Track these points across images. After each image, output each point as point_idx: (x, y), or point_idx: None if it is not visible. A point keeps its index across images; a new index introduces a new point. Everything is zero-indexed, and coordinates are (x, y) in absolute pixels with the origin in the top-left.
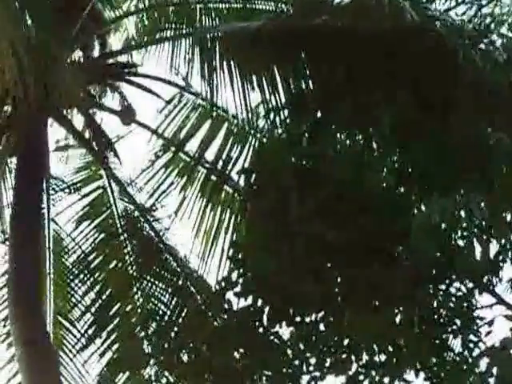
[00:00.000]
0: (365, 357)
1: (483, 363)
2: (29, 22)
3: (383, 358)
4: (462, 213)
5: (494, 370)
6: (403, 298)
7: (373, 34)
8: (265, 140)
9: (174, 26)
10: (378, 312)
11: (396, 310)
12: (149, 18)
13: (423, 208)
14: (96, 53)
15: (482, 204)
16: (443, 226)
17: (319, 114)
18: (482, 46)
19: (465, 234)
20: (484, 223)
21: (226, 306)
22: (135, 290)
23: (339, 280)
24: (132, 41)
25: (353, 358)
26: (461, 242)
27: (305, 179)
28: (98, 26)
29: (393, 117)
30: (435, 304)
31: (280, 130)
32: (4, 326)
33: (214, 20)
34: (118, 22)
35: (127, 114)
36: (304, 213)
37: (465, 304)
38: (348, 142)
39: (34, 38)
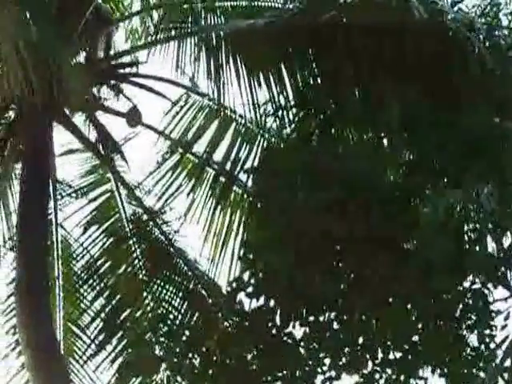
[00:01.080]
0: (380, 355)
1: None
2: (31, 23)
3: (398, 355)
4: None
5: (508, 363)
6: (416, 293)
7: (381, 29)
8: (273, 139)
9: (178, 25)
10: (391, 307)
11: (410, 306)
12: (153, 17)
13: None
14: (101, 54)
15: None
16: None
17: (329, 112)
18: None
19: (476, 226)
20: (495, 215)
21: (238, 307)
22: (145, 294)
23: (351, 276)
24: (137, 41)
25: (368, 356)
26: (472, 235)
27: (315, 177)
28: (102, 26)
29: (402, 110)
30: (449, 298)
31: (289, 129)
32: (13, 334)
33: (220, 18)
34: (122, 22)
35: (133, 116)
36: (314, 209)
37: (479, 298)
38: (358, 137)
39: (37, 40)
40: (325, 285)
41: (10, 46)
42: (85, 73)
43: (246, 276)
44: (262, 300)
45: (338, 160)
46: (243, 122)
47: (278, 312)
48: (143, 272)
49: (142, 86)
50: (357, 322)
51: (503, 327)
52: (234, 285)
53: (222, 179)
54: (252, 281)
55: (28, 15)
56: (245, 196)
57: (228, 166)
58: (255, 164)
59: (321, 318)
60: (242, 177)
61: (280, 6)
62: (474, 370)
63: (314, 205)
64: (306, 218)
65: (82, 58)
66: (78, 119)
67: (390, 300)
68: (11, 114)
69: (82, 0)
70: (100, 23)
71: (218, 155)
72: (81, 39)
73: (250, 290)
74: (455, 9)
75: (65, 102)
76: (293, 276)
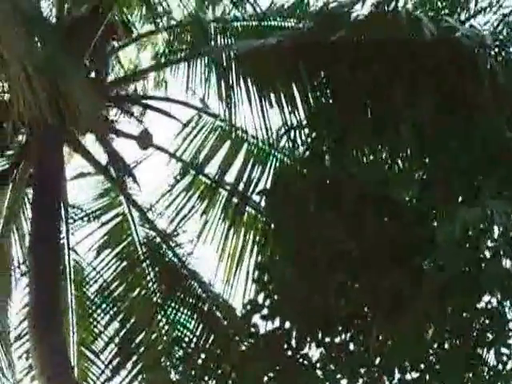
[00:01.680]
0: (397, 375)
1: None
2: (40, 45)
3: (416, 375)
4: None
5: None
6: (432, 311)
7: (392, 47)
8: (286, 159)
9: (189, 46)
10: (407, 326)
11: (426, 325)
12: (164, 39)
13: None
14: (111, 75)
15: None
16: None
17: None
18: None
19: (492, 244)
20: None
21: (253, 329)
22: (160, 317)
23: (366, 295)
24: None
25: (384, 377)
26: (488, 253)
27: (327, 196)
28: (112, 48)
29: (415, 126)
30: (466, 317)
31: (301, 149)
32: (26, 359)
33: (230, 39)
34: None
35: (144, 139)
36: (327, 229)
37: (496, 316)
38: (371, 156)
39: (45, 62)
40: (340, 305)
41: (18, 69)
42: (95, 95)
43: (260, 298)
44: (277, 322)
45: (351, 178)
46: (255, 142)
47: (294, 333)
48: (157, 295)
49: (152, 108)
50: (373, 342)
51: None
52: (249, 307)
53: (235, 200)
54: (267, 303)
55: (37, 37)
56: (258, 217)
57: (241, 187)
58: (268, 184)
59: (337, 339)
60: (255, 197)
61: (291, 25)
62: None
63: (327, 225)
64: (319, 238)
65: (92, 80)
66: (89, 142)
67: (406, 319)
68: (22, 137)
69: (92, 21)
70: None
71: (231, 176)
72: (91, 61)
73: (264, 311)
74: (467, 25)
75: (75, 126)
76: (307, 296)
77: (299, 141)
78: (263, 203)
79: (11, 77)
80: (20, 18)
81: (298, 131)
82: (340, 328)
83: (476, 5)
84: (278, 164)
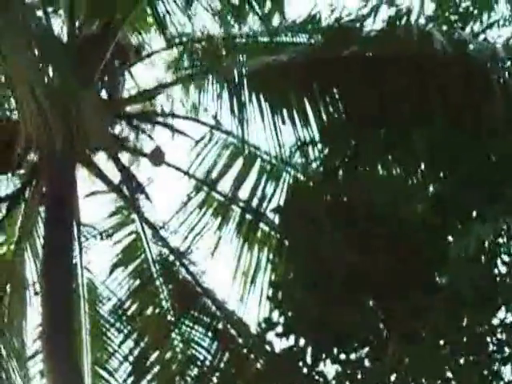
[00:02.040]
0: None
1: None
2: (50, 66)
3: None
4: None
5: None
6: (447, 327)
7: (404, 61)
8: (299, 175)
9: (200, 63)
10: (423, 343)
11: (441, 341)
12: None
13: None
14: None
15: None
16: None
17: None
18: None
19: (507, 259)
20: None
21: (268, 347)
22: (174, 336)
23: (380, 311)
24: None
25: None
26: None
27: (341, 212)
28: (123, 65)
29: (428, 142)
30: (481, 332)
31: (314, 164)
32: (41, 377)
33: (242, 55)
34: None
35: (157, 156)
36: (341, 245)
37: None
38: (384, 171)
39: (55, 82)
40: (355, 321)
41: (26, 90)
42: (105, 114)
43: (275, 315)
44: (291, 339)
45: (364, 195)
46: (268, 158)
47: (309, 350)
48: (171, 313)
49: (164, 125)
50: (389, 358)
51: None
52: (264, 325)
53: (249, 217)
54: (281, 320)
55: (46, 58)
56: (272, 233)
57: (254, 204)
58: (281, 201)
59: (352, 356)
60: (269, 214)
61: (302, 40)
62: None
63: (340, 241)
64: (333, 254)
65: (102, 98)
66: (101, 160)
67: (422, 335)
68: (33, 156)
69: (103, 38)
70: (122, 62)
71: (244, 193)
72: (101, 79)
73: (279, 329)
74: (479, 39)
75: (87, 144)
76: (322, 314)
77: (312, 156)
78: (277, 220)
79: (19, 98)
80: (29, 38)
81: (311, 147)
82: (355, 344)
83: (489, 18)
84: (291, 180)
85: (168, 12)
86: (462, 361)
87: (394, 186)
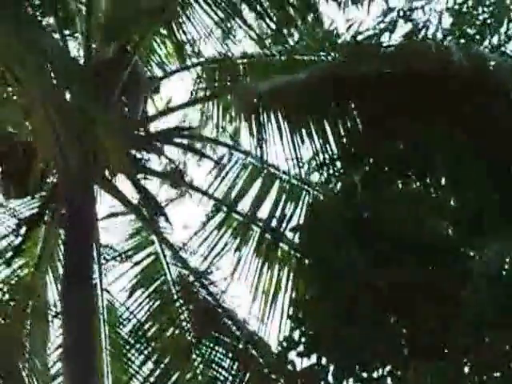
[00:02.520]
0: None
1: None
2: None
3: None
4: None
5: None
6: (470, 345)
7: (423, 77)
8: (318, 194)
9: (218, 83)
10: (445, 360)
11: (464, 359)
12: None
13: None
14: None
15: None
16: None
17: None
18: None
19: None
20: None
21: (290, 366)
22: (194, 357)
23: (402, 329)
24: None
25: None
26: None
27: (361, 230)
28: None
29: (447, 158)
30: (505, 349)
31: (333, 183)
32: None
33: (259, 75)
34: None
35: (176, 177)
36: (361, 264)
37: None
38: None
39: (72, 105)
40: (377, 339)
41: (41, 114)
42: (123, 136)
43: (296, 334)
44: (313, 358)
45: (384, 211)
46: (287, 178)
47: (331, 369)
48: (191, 334)
49: (183, 146)
50: (411, 376)
51: None
52: (285, 344)
53: (268, 236)
54: (302, 339)
55: (63, 81)
56: (292, 252)
57: (274, 223)
58: (301, 220)
59: (374, 374)
60: (289, 233)
61: (320, 58)
62: None
63: (360, 260)
64: (353, 273)
65: (120, 120)
66: (120, 182)
67: (444, 352)
68: (52, 178)
69: (120, 60)
70: (138, 84)
71: (263, 212)
72: (119, 101)
73: (300, 348)
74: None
75: (105, 166)
76: (343, 332)
77: (331, 174)
78: (297, 239)
79: (35, 124)
80: (45, 61)
81: (330, 165)
82: (377, 363)
83: (507, 31)
84: (310, 199)
85: (185, 33)
86: (484, 378)
87: (414, 201)
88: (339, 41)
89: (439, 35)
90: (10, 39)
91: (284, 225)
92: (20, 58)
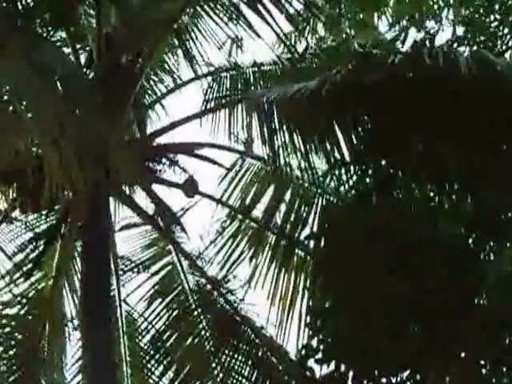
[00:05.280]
0: None
1: None
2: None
3: None
4: None
5: None
6: (488, 348)
7: (433, 84)
8: (332, 198)
9: (229, 92)
10: (464, 364)
11: (482, 361)
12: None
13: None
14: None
15: None
16: None
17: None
18: None
19: None
20: None
21: (309, 373)
22: (214, 365)
23: (421, 334)
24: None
25: None
26: None
27: (376, 236)
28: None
29: (461, 164)
30: None
31: (346, 187)
32: None
33: (269, 83)
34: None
35: (190, 187)
36: (377, 271)
37: None
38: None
39: (82, 121)
40: (395, 346)
41: (56, 130)
42: (135, 150)
43: (314, 341)
44: (332, 364)
45: (398, 218)
46: (300, 183)
47: (350, 376)
48: (210, 343)
49: (196, 155)
50: (431, 381)
51: None
52: (303, 352)
53: (283, 243)
54: (321, 346)
55: (72, 98)
56: (307, 258)
57: (288, 229)
58: (315, 225)
59: (394, 379)
60: (304, 238)
61: (329, 66)
62: None
63: (376, 266)
64: (369, 280)
65: (132, 133)
66: (135, 193)
67: (462, 356)
68: (68, 192)
69: (131, 71)
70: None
71: (278, 218)
72: (131, 114)
73: (319, 356)
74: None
75: (120, 178)
76: (362, 339)
77: (344, 179)
78: (311, 245)
79: (44, 144)
80: (54, 79)
81: (343, 170)
82: (397, 367)
83: None
84: (324, 203)
85: (195, 43)
86: (505, 380)
87: (428, 208)
88: (348, 50)
89: (451, 43)
90: (19, 61)
91: (298, 230)
92: (29, 77)
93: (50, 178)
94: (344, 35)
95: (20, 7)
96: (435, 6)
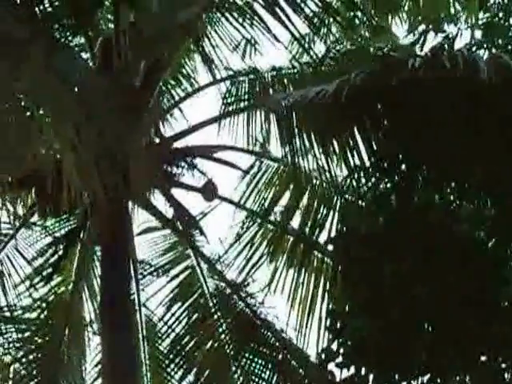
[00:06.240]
0: None
1: None
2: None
3: None
4: None
5: None
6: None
7: (452, 87)
8: (351, 200)
9: (247, 96)
10: (485, 366)
11: (504, 365)
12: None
13: None
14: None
15: None
16: None
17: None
18: None
19: None
20: None
21: (329, 377)
22: (234, 369)
23: (441, 338)
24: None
25: None
26: None
27: (396, 239)
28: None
29: (484, 168)
30: None
31: (366, 190)
32: None
33: (287, 87)
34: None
35: (209, 190)
36: (398, 273)
37: None
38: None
39: (101, 132)
40: (416, 349)
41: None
42: (154, 155)
43: (334, 345)
44: (352, 368)
45: (418, 221)
46: (318, 184)
47: (370, 379)
48: (230, 347)
49: (214, 159)
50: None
51: None
52: (324, 355)
53: (302, 245)
54: (341, 350)
55: (90, 106)
56: (327, 261)
57: (307, 231)
58: (334, 227)
59: (414, 382)
60: (322, 240)
61: (348, 70)
62: None
63: (396, 269)
64: (390, 283)
65: (151, 138)
66: (154, 197)
67: (483, 359)
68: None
69: (150, 77)
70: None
71: (296, 220)
72: (148, 121)
73: (339, 359)
74: None
75: (139, 182)
76: (382, 342)
77: (363, 181)
78: (330, 247)
79: (61, 147)
80: (73, 83)
81: (362, 172)
82: (417, 371)
83: None
84: (343, 205)
85: (213, 47)
86: None
87: (448, 209)
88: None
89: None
90: (38, 67)
91: (317, 232)
92: (48, 86)
93: (68, 183)
94: (360, 39)
95: (39, 13)
96: (452, 10)
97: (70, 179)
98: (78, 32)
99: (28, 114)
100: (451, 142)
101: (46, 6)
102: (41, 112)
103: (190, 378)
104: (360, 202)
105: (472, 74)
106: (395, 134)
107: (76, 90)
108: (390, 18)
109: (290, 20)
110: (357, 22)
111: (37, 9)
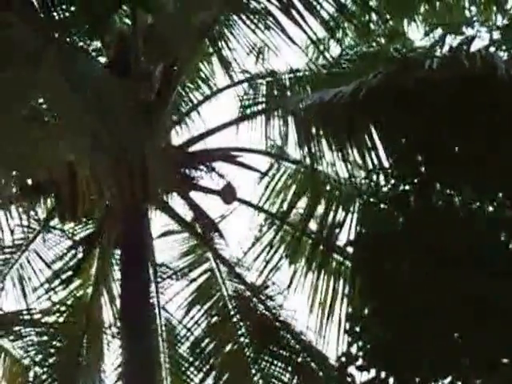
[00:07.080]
0: None
1: None
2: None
3: None
4: None
5: None
6: None
7: (470, 87)
8: (370, 202)
9: (265, 98)
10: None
11: None
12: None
13: None
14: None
15: None
16: None
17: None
18: None
19: None
20: None
21: (349, 379)
22: (254, 371)
23: (462, 342)
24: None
25: None
26: None
27: (415, 241)
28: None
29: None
30: None
31: (384, 192)
32: None
33: (305, 88)
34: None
35: (228, 193)
36: (417, 276)
37: None
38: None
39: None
40: (436, 353)
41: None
42: (173, 157)
43: (354, 348)
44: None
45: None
46: (337, 186)
47: (391, 383)
48: (250, 349)
49: (233, 162)
50: None
51: None
52: (343, 359)
53: (321, 247)
54: (361, 353)
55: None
56: (346, 262)
57: (325, 233)
58: (352, 229)
59: None
60: (341, 243)
61: (365, 71)
62: None
63: (416, 273)
64: (409, 286)
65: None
66: (173, 200)
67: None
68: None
69: (166, 79)
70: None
71: (315, 222)
72: (166, 124)
73: (359, 362)
74: None
75: (157, 186)
76: (402, 346)
77: (382, 183)
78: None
79: (78, 153)
80: (88, 89)
81: (381, 173)
82: (437, 375)
83: None
84: (362, 207)
85: (230, 49)
86: None
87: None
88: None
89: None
90: (54, 73)
91: (336, 234)
92: (64, 92)
93: (86, 188)
94: (376, 41)
95: (56, 19)
96: (467, 13)
97: (88, 183)
98: (94, 37)
99: (44, 120)
100: (470, 142)
101: (62, 11)
102: (56, 119)
103: (210, 381)
104: (379, 203)
105: (491, 73)
106: (414, 134)
107: (92, 94)
108: (405, 21)
109: (305, 22)
110: (372, 26)
111: (53, 15)
